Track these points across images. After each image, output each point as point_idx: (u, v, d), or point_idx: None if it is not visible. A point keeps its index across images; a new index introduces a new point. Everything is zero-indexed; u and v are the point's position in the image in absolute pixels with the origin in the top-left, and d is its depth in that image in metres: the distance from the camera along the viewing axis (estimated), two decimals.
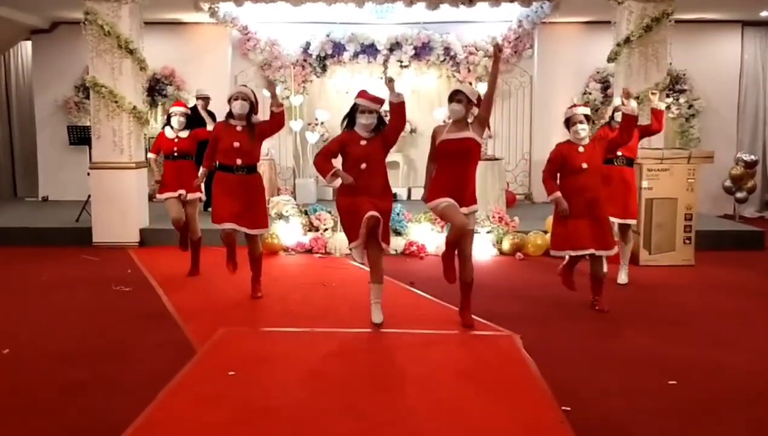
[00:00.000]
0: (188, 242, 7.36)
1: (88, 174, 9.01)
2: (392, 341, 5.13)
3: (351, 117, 5.34)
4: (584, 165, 5.68)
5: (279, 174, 11.67)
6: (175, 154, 7.12)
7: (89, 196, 9.10)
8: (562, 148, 5.84)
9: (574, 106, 5.96)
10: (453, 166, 5.21)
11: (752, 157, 10.89)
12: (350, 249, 5.37)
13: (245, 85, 6.20)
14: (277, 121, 5.93)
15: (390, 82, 5.31)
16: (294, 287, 6.81)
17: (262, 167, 10.42)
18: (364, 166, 5.22)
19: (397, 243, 8.43)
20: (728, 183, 10.93)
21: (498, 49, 5.23)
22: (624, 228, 6.87)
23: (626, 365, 4.67)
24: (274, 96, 5.98)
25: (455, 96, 5.25)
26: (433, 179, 5.37)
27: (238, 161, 5.93)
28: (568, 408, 3.87)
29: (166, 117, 7.36)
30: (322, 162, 5.25)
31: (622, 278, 6.92)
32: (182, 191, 7.08)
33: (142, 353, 4.88)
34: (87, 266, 7.85)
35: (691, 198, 7.75)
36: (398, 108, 5.28)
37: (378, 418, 3.81)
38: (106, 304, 6.21)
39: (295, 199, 10.28)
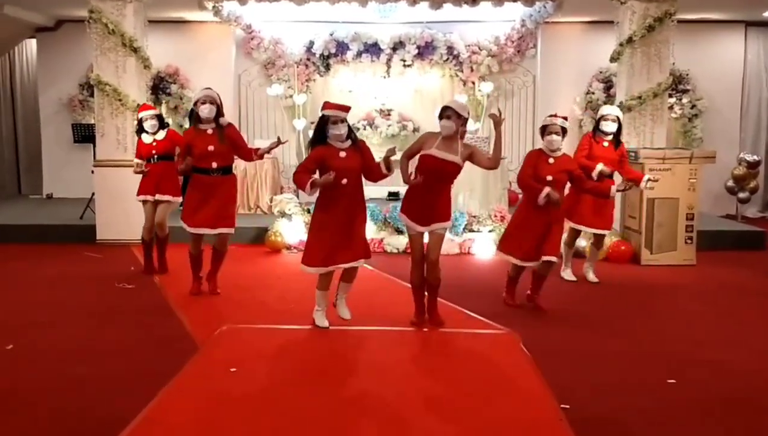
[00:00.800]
0: (152, 263, 7.34)
1: (92, 172, 9.05)
2: (392, 338, 5.16)
3: (321, 131, 5.17)
4: (549, 177, 5.74)
5: (282, 172, 11.68)
6: (155, 157, 7.10)
7: (93, 193, 9.13)
8: (533, 155, 5.98)
9: (554, 115, 6.03)
10: (429, 182, 5.14)
11: (755, 157, 10.88)
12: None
13: (210, 88, 6.24)
14: (247, 157, 6.25)
15: (388, 157, 5.16)
16: (295, 284, 6.82)
17: (266, 165, 10.49)
18: (345, 181, 5.07)
19: (398, 242, 8.46)
20: (731, 183, 10.93)
21: (497, 121, 5.16)
22: (599, 236, 7.00)
23: (625, 363, 4.70)
24: (268, 150, 6.18)
25: (445, 112, 5.18)
26: (408, 190, 5.30)
27: (214, 164, 6.07)
28: (567, 406, 3.90)
29: (137, 123, 7.27)
30: (300, 177, 5.11)
31: (591, 276, 7.06)
32: (151, 197, 7.16)
33: (145, 350, 4.92)
34: (90, 263, 7.89)
35: (692, 198, 7.76)
36: (385, 175, 5.25)
37: (378, 414, 3.84)
38: (109, 301, 6.25)
39: (297, 197, 10.29)
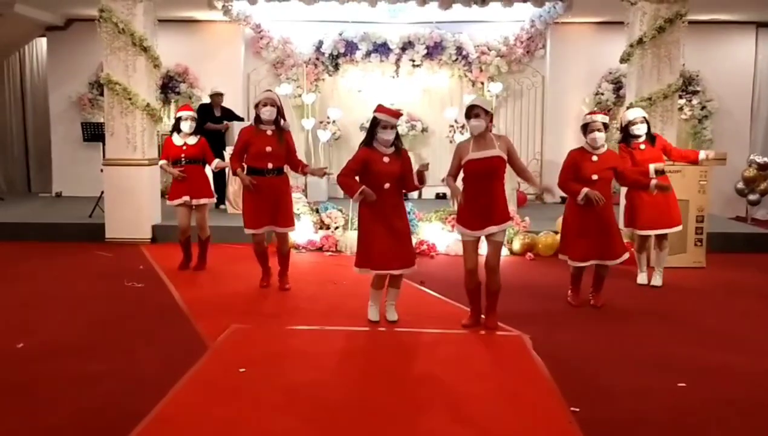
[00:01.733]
0: (189, 260, 7.47)
1: (102, 170, 9.08)
2: (402, 339, 5.16)
3: (371, 134, 5.25)
4: (594, 176, 5.70)
5: (290, 172, 11.69)
6: (183, 160, 7.19)
7: (102, 192, 9.16)
8: (575, 156, 5.86)
9: (594, 112, 5.98)
10: (480, 185, 5.18)
11: (765, 159, 10.82)
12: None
13: (270, 90, 6.36)
14: (295, 167, 6.46)
15: (421, 171, 5.30)
16: (304, 284, 6.83)
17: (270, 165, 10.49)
18: (387, 185, 5.19)
19: None
20: (741, 185, 10.88)
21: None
22: (659, 236, 6.88)
23: (636, 366, 4.67)
24: (314, 172, 6.51)
25: (472, 111, 5.18)
26: (462, 202, 5.29)
27: (270, 165, 6.20)
28: (577, 409, 3.88)
29: (175, 121, 7.34)
30: (348, 181, 5.20)
31: (656, 280, 6.93)
32: (187, 198, 7.19)
33: (154, 349, 4.92)
34: (100, 261, 7.91)
35: (702, 200, 7.72)
36: (417, 188, 5.43)
37: (387, 416, 3.84)
38: (118, 299, 6.27)
39: (306, 197, 10.31)
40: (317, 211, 8.81)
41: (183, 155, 7.19)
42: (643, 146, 6.68)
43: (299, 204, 8.89)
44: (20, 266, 7.67)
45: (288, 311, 5.88)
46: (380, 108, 5.26)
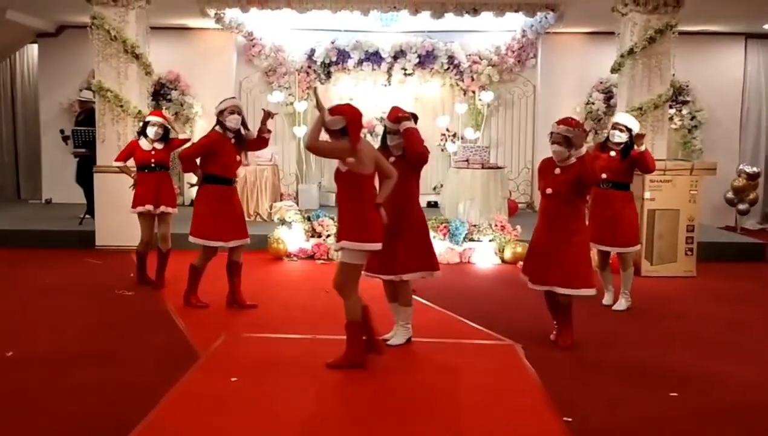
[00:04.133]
0: (146, 274, 7.10)
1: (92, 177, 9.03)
2: (393, 348, 5.14)
3: (383, 137, 5.24)
4: (548, 190, 5.18)
5: (282, 179, 11.68)
6: (153, 165, 6.88)
7: (93, 199, 9.11)
8: (541, 165, 5.39)
9: (562, 121, 5.23)
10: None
11: (754, 169, 10.90)
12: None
13: (234, 97, 6.22)
14: (264, 144, 6.23)
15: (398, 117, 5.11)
16: (296, 293, 6.82)
17: (266, 172, 10.49)
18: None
19: None
20: (730, 195, 10.95)
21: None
22: (619, 255, 6.45)
23: (627, 375, 4.69)
24: (265, 127, 6.12)
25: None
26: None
27: (235, 175, 6.10)
28: (569, 419, 3.89)
29: (142, 125, 7.04)
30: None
31: (621, 303, 6.42)
32: (150, 206, 6.89)
33: (145, 358, 4.90)
34: (90, 269, 7.87)
35: (693, 209, 7.77)
36: (406, 135, 5.06)
37: (379, 425, 3.83)
38: (108, 308, 6.24)
39: (297, 204, 10.30)
40: (309, 219, 8.79)
41: (153, 160, 6.86)
42: (613, 153, 6.29)
43: (291, 212, 8.88)
44: (9, 273, 7.62)
45: (280, 320, 5.87)
46: (388, 113, 5.18)
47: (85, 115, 9.99)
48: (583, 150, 5.09)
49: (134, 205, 6.96)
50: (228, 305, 6.21)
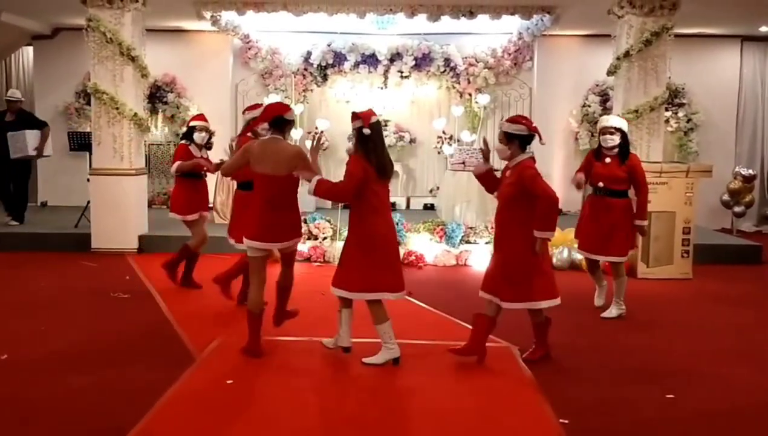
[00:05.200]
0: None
1: (88, 180, 9.02)
2: None
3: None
4: (495, 193, 5.08)
5: None
6: (205, 172, 6.83)
7: (88, 202, 9.10)
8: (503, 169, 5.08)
9: (513, 118, 5.02)
10: None
11: (750, 171, 10.92)
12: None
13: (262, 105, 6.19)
14: None
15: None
16: (292, 295, 6.78)
17: None
18: None
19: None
20: (726, 197, 10.96)
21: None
22: (612, 263, 6.25)
23: (624, 377, 4.69)
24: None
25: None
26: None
27: None
28: (566, 421, 3.88)
29: (186, 130, 6.85)
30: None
31: (611, 311, 6.21)
32: (203, 212, 6.87)
33: (140, 361, 4.88)
34: (85, 272, 7.85)
35: (689, 212, 7.78)
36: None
37: (375, 428, 3.82)
38: (104, 311, 6.21)
39: None
40: (305, 221, 8.77)
41: (205, 168, 6.78)
42: (608, 160, 6.09)
43: None
44: (4, 275, 7.59)
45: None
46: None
47: (16, 117, 9.92)
48: (526, 155, 4.78)
49: (186, 212, 6.73)
50: (239, 303, 6.27)
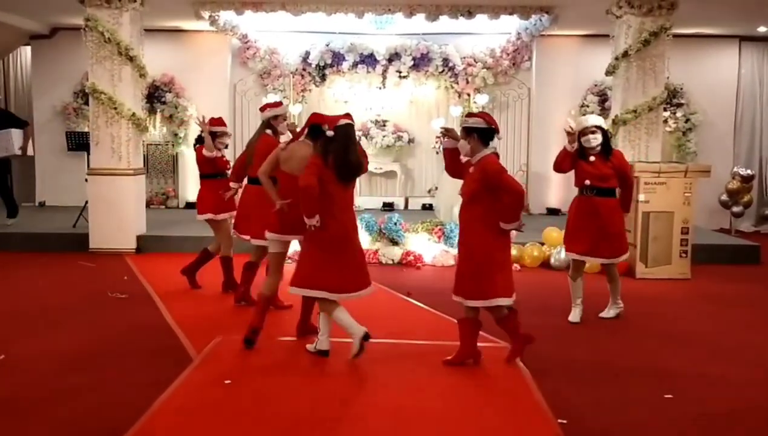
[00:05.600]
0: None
1: (86, 180, 9.01)
2: (388, 351, 5.12)
3: None
4: (459, 191, 4.97)
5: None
6: (228, 171, 6.75)
7: (86, 202, 9.09)
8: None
9: (471, 114, 5.04)
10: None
11: (749, 171, 10.92)
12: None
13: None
14: None
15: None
16: (290, 296, 6.77)
17: None
18: None
19: (394, 253, 8.44)
20: (725, 197, 10.96)
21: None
22: (607, 266, 6.13)
23: (622, 377, 4.68)
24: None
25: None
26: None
27: None
28: (565, 421, 3.88)
29: (209, 135, 6.62)
30: None
31: (609, 311, 6.17)
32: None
33: (138, 361, 4.88)
34: (83, 272, 7.84)
35: (687, 212, 7.77)
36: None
37: (373, 428, 3.81)
38: (102, 310, 6.20)
39: None
40: None
41: (228, 167, 6.78)
42: (592, 159, 5.95)
43: None
44: (2, 275, 7.58)
45: (274, 322, 5.83)
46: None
47: None
48: (489, 151, 4.72)
49: (217, 212, 6.66)
50: (236, 302, 6.29)
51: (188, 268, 6.95)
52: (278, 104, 6.28)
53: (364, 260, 5.03)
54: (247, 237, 6.08)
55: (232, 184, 6.34)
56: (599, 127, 5.96)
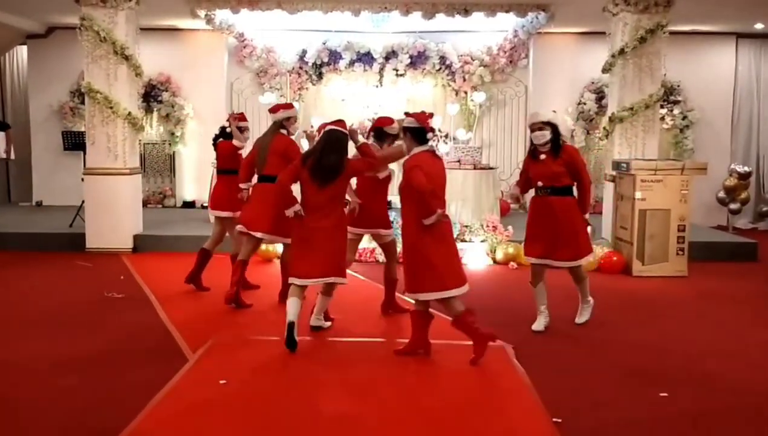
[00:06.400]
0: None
1: (82, 179, 8.99)
2: (384, 350, 5.12)
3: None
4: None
5: None
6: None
7: (83, 201, 9.08)
8: None
9: (410, 114, 5.00)
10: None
11: (746, 168, 10.91)
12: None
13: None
14: None
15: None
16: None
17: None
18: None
19: None
20: (722, 194, 10.96)
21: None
22: (571, 269, 5.78)
23: (618, 376, 4.68)
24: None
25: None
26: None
27: None
28: (559, 419, 3.87)
29: (237, 128, 6.75)
30: None
31: (583, 315, 5.91)
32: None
33: (134, 360, 4.87)
34: (80, 271, 7.83)
35: (684, 209, 7.77)
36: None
37: (369, 427, 3.81)
38: (98, 310, 6.20)
39: None
40: None
41: None
42: (543, 157, 5.63)
43: None
44: None
45: (269, 322, 5.83)
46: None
47: None
48: (421, 149, 4.85)
49: (232, 210, 6.65)
50: (227, 302, 6.25)
51: (191, 275, 6.86)
52: (290, 106, 6.39)
53: (331, 253, 5.13)
54: (260, 234, 6.10)
55: (242, 186, 6.37)
56: (548, 124, 5.65)
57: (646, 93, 8.60)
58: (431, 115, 5.10)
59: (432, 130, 4.94)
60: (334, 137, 5.10)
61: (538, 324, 5.73)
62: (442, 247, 4.81)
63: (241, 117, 6.93)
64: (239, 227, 6.21)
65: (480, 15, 9.89)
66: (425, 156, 4.83)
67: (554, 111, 6.14)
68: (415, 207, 4.74)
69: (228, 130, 6.85)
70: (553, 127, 5.64)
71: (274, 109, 6.31)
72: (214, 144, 6.97)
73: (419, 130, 4.84)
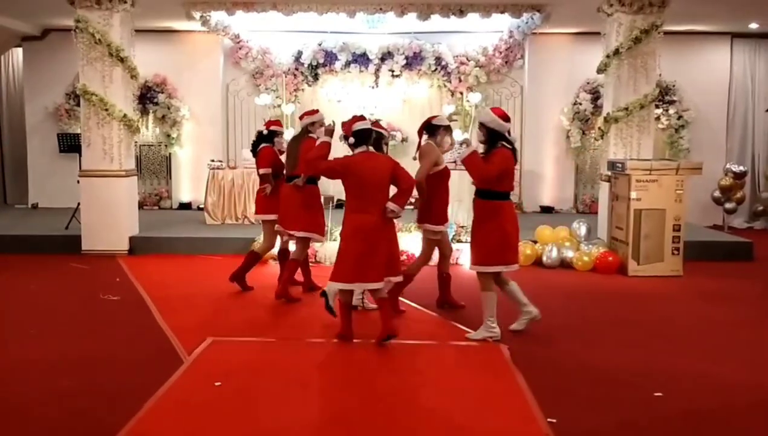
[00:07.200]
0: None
1: (78, 181, 8.98)
2: (379, 351, 5.12)
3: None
4: None
5: None
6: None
7: (79, 203, 9.06)
8: None
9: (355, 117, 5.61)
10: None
11: (741, 167, 10.95)
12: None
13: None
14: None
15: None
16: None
17: (253, 176, 10.41)
18: None
19: None
20: (717, 193, 10.99)
21: None
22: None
23: (613, 376, 4.68)
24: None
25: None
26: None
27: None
28: (554, 420, 3.88)
29: (267, 133, 6.95)
30: None
31: (478, 332, 5.42)
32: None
33: (129, 363, 4.87)
34: (76, 274, 7.82)
35: (679, 209, 7.78)
36: None
37: (364, 428, 3.81)
38: (94, 312, 6.19)
39: None
40: None
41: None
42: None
43: None
44: None
45: (265, 324, 5.84)
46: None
47: None
48: (358, 150, 5.39)
49: (273, 212, 6.75)
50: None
51: (236, 273, 6.89)
52: (315, 112, 6.65)
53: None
54: (300, 233, 6.48)
55: (261, 171, 6.80)
56: (483, 125, 5.47)
57: (641, 93, 8.61)
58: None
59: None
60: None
61: (518, 324, 5.61)
62: (349, 240, 5.28)
63: (276, 123, 7.20)
64: (278, 227, 6.63)
65: (475, 16, 9.91)
66: (354, 156, 5.39)
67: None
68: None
69: (264, 133, 6.99)
70: (488, 130, 5.41)
71: (301, 117, 6.74)
72: (254, 150, 7.01)
73: (367, 131, 5.41)
